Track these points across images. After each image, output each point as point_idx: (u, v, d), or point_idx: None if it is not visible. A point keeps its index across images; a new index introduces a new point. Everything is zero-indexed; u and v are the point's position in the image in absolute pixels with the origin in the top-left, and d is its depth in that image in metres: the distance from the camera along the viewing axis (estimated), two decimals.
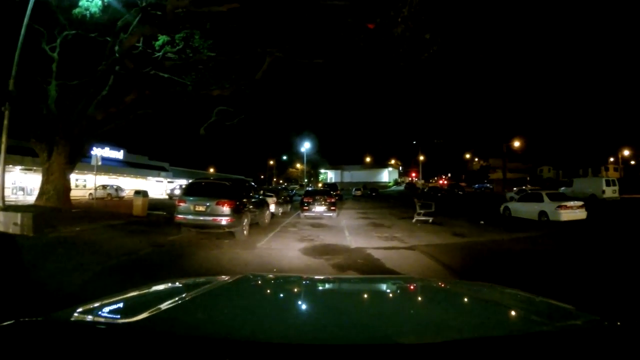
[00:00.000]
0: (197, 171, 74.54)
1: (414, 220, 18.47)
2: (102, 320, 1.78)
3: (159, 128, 39.37)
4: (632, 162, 77.23)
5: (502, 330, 1.72)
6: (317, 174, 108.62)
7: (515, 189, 40.31)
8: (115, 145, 54.07)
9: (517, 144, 63.80)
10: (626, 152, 71.58)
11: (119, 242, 11.50)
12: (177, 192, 36.04)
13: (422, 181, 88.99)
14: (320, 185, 75.35)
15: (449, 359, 1.24)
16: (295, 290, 2.74)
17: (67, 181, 18.91)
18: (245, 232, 13.44)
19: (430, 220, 18.14)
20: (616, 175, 39.76)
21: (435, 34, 14.66)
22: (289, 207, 26.80)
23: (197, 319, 1.78)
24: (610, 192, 31.42)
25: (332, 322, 1.74)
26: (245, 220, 13.66)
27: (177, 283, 2.79)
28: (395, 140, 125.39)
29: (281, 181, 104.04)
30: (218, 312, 1.98)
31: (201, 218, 12.76)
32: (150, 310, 1.75)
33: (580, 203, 17.95)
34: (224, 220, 12.53)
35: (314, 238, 13.35)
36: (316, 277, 4.03)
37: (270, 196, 21.85)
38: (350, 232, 15.01)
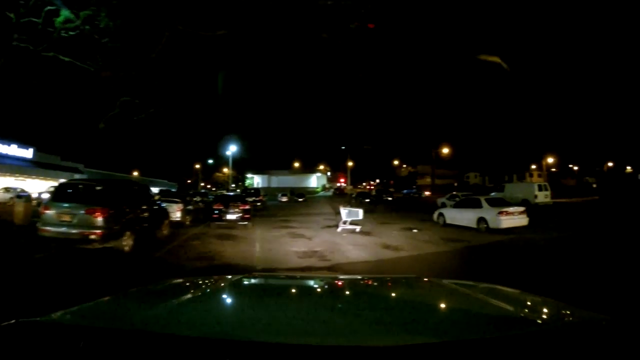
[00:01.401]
0: (116, 174, 69.19)
1: (339, 230, 16.89)
2: (101, 320, 1.73)
3: (72, 125, 35.22)
4: (553, 169, 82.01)
5: (505, 330, 1.67)
6: (244, 179, 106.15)
7: (451, 194, 39.56)
8: (23, 143, 47.78)
9: (445, 150, 65.13)
10: (550, 160, 74.75)
11: None
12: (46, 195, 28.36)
13: (351, 187, 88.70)
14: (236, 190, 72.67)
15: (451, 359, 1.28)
16: (297, 290, 2.77)
17: None
18: (127, 247, 11.02)
19: (358, 230, 16.67)
20: (540, 181, 40.20)
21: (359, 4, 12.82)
22: (202, 214, 24.26)
23: (198, 319, 1.78)
24: (542, 196, 31.57)
25: (333, 322, 1.75)
26: (128, 232, 11.18)
27: (178, 283, 2.80)
28: (324, 145, 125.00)
29: (209, 186, 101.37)
30: (219, 312, 2.04)
31: (68, 230, 10.18)
32: (150, 310, 1.84)
33: (521, 209, 17.03)
34: (93, 234, 10.07)
35: (214, 255, 11.28)
36: (318, 276, 4.26)
37: (176, 202, 20.25)
38: (263, 246, 13.11)
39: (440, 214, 20.01)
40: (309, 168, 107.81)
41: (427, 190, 70.48)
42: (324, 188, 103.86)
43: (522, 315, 1.97)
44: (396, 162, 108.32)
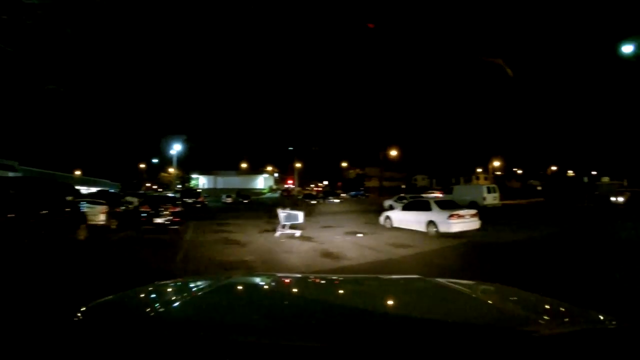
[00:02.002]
0: (56, 173, 65.07)
1: (277, 234, 15.58)
2: (101, 321, 1.76)
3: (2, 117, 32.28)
4: (499, 173, 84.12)
5: (505, 330, 1.67)
6: (189, 179, 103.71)
7: (399, 196, 38.80)
8: None
9: (393, 153, 65.47)
10: (496, 163, 77.51)
11: None
12: None
13: (300, 188, 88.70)
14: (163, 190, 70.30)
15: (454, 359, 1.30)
16: (296, 290, 2.80)
17: None
18: None
19: (297, 234, 15.52)
20: (488, 184, 40.50)
21: None
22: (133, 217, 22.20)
23: (198, 319, 1.80)
24: (491, 198, 31.51)
25: (333, 322, 1.77)
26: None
27: (176, 283, 2.87)
28: (272, 146, 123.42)
29: (155, 186, 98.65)
30: (219, 312, 2.01)
31: None
32: (150, 310, 1.91)
33: (473, 211, 16.24)
34: None
35: (130, 263, 10.14)
36: (318, 276, 3.80)
37: (100, 204, 18.72)
38: (188, 255, 11.69)
39: (387, 217, 18.99)
40: (256, 169, 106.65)
41: (375, 192, 70.39)
42: (271, 189, 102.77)
43: (524, 315, 1.95)
44: (345, 164, 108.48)
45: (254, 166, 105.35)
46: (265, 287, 2.84)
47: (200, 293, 2.33)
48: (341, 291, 2.76)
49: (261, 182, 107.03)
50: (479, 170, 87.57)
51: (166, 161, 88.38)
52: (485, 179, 78.14)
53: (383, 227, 18.71)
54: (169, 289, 2.59)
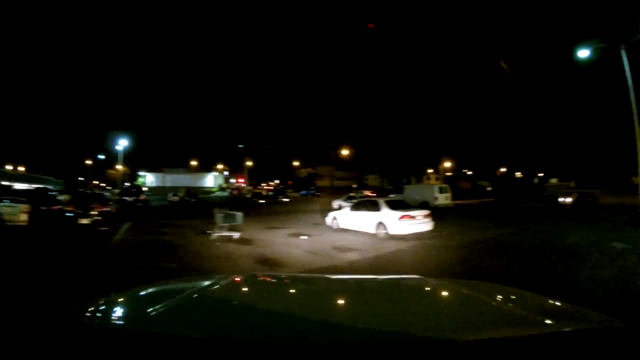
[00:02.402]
0: None
1: (214, 236, 14.24)
2: (101, 321, 1.80)
3: None
4: (449, 173, 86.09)
5: (507, 330, 1.64)
6: (137, 177, 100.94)
7: (348, 196, 37.78)
8: None
9: (344, 152, 65.08)
10: (447, 164, 79.46)
11: None
12: None
13: (251, 187, 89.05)
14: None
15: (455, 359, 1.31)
16: (297, 289, 2.78)
17: None
18: None
19: (236, 236, 14.22)
20: (439, 183, 40.47)
21: None
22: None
23: (199, 319, 1.81)
24: (443, 198, 31.09)
25: (333, 322, 1.75)
26: None
27: (176, 283, 2.97)
28: (223, 144, 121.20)
29: (103, 184, 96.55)
30: (220, 312, 2.00)
31: None
32: (151, 310, 1.81)
33: (425, 212, 15.29)
34: None
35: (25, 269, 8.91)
36: (318, 276, 4.24)
37: (22, 203, 18.00)
38: (111, 258, 10.83)
39: (335, 218, 17.78)
40: (207, 167, 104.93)
41: (326, 192, 69.82)
42: (220, 188, 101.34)
43: (524, 315, 1.94)
44: (297, 163, 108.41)
45: (205, 164, 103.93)
46: (265, 287, 2.83)
47: (199, 293, 2.29)
48: (341, 291, 2.72)
49: (211, 180, 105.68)
50: (430, 170, 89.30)
51: (113, 157, 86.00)
52: (437, 179, 79.18)
53: (330, 228, 17.62)
54: (169, 289, 2.54)
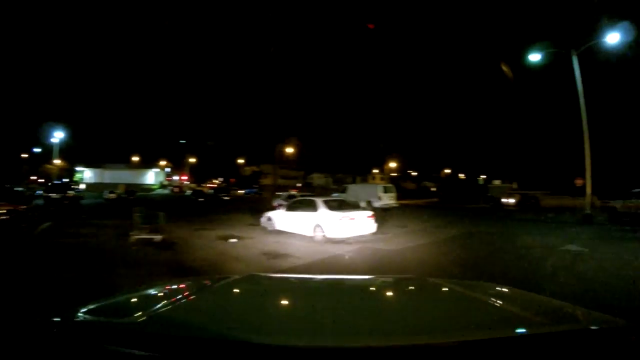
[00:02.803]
0: None
1: (132, 239, 12.45)
2: (102, 321, 1.79)
3: None
4: (394, 174, 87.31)
5: (507, 330, 1.67)
6: (74, 172, 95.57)
7: (289, 195, 36.41)
8: None
9: (289, 150, 64.38)
10: (392, 164, 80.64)
11: None
12: None
13: (195, 184, 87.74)
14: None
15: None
16: (296, 290, 2.77)
17: None
18: None
19: (158, 239, 12.58)
20: (384, 183, 40.01)
21: None
22: None
23: (199, 320, 1.79)
24: (387, 198, 30.17)
25: (333, 323, 1.72)
26: None
27: (176, 283, 2.90)
28: (166, 139, 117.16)
29: (41, 180, 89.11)
30: (220, 313, 2.03)
31: None
32: (151, 310, 1.84)
33: (367, 213, 14.16)
34: None
35: None
36: (318, 277, 3.74)
37: None
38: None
39: (270, 218, 16.28)
40: (149, 163, 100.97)
41: (269, 190, 68.93)
42: (162, 185, 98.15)
43: (523, 314, 1.95)
44: (241, 161, 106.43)
45: (146, 160, 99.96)
46: (264, 287, 2.79)
47: (199, 293, 2.31)
48: (340, 292, 2.70)
49: (152, 177, 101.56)
50: (376, 171, 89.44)
51: (50, 151, 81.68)
52: (382, 179, 79.29)
53: (265, 229, 16.17)
54: (168, 290, 2.55)
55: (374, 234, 13.72)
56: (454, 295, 2.49)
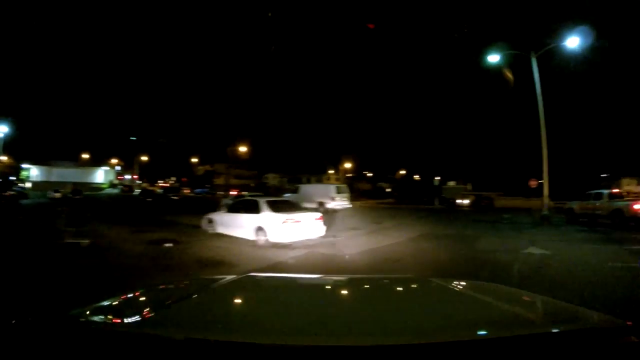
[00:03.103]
0: None
1: (60, 243, 11.46)
2: (102, 322, 1.80)
3: None
4: (350, 174, 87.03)
5: (508, 330, 1.59)
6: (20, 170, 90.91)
7: (239, 195, 35.10)
8: None
9: (242, 149, 64.39)
10: (347, 165, 79.98)
11: None
12: None
13: (147, 184, 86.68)
14: None
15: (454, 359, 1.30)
16: (296, 290, 2.75)
17: None
18: None
19: (85, 244, 11.47)
20: (338, 183, 39.42)
21: None
22: None
23: (198, 320, 1.79)
24: (340, 199, 29.30)
25: (332, 323, 1.75)
26: None
27: (179, 283, 2.96)
28: (117, 136, 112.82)
29: None
30: (220, 313, 1.99)
31: None
32: (150, 311, 1.88)
33: (315, 215, 12.97)
34: None
35: None
36: (317, 277, 4.10)
37: None
38: None
39: (211, 220, 14.83)
40: (100, 161, 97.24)
41: (222, 190, 67.58)
42: (111, 184, 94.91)
43: (523, 314, 1.94)
44: (195, 160, 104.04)
45: (97, 158, 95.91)
46: (263, 287, 2.79)
47: (198, 294, 2.28)
48: (340, 291, 2.74)
49: (101, 175, 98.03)
50: (331, 171, 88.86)
51: None
52: (337, 179, 79.08)
53: (205, 232, 14.72)
54: (168, 290, 2.56)
55: (323, 237, 12.60)
56: (454, 295, 2.47)
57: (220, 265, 9.34)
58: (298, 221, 11.79)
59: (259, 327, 1.63)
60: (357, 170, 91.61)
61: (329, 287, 2.89)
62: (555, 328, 1.64)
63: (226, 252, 10.95)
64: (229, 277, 2.78)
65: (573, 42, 19.98)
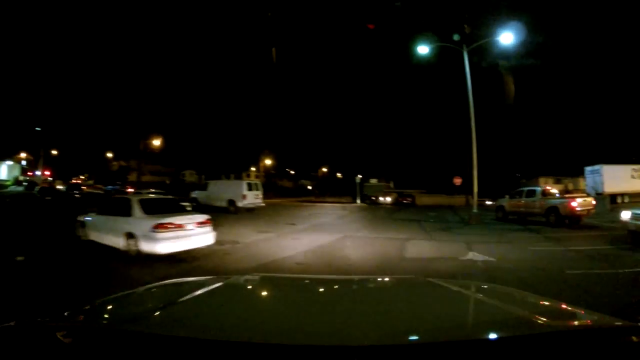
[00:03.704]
0: None
1: None
2: (102, 322, 1.77)
3: None
4: (272, 172, 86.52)
5: (508, 330, 1.62)
6: None
7: (148, 192, 31.58)
8: None
9: (156, 143, 61.45)
10: (268, 162, 79.24)
11: None
12: None
13: (61, 181, 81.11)
14: None
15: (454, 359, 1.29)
16: (296, 290, 2.71)
17: None
18: None
19: None
20: (251, 180, 37.51)
21: None
22: None
23: (200, 320, 1.77)
24: (252, 197, 26.47)
25: (333, 323, 1.73)
26: None
27: (176, 283, 2.89)
28: (26, 129, 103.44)
29: None
30: (220, 313, 1.97)
31: None
32: (152, 310, 1.83)
33: (202, 218, 10.01)
34: None
35: None
36: (317, 277, 4.15)
37: None
38: None
39: (83, 224, 11.50)
40: (8, 155, 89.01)
41: (134, 187, 63.96)
42: (16, 181, 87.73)
43: (522, 314, 1.91)
44: (110, 155, 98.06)
45: (4, 152, 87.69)
46: (265, 287, 2.79)
47: (200, 294, 2.20)
48: (341, 291, 2.65)
49: (4, 171, 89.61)
50: (253, 168, 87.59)
51: None
52: (257, 176, 77.29)
53: (77, 239, 11.37)
54: (170, 290, 2.52)
55: (212, 245, 10.01)
56: (455, 296, 2.40)
57: (103, 282, 6.57)
58: (180, 225, 9.00)
59: (260, 327, 1.60)
60: (279, 167, 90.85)
61: (331, 287, 2.80)
62: (556, 328, 1.62)
63: (95, 264, 8.40)
64: (230, 277, 2.75)
65: (507, 38, 19.28)
